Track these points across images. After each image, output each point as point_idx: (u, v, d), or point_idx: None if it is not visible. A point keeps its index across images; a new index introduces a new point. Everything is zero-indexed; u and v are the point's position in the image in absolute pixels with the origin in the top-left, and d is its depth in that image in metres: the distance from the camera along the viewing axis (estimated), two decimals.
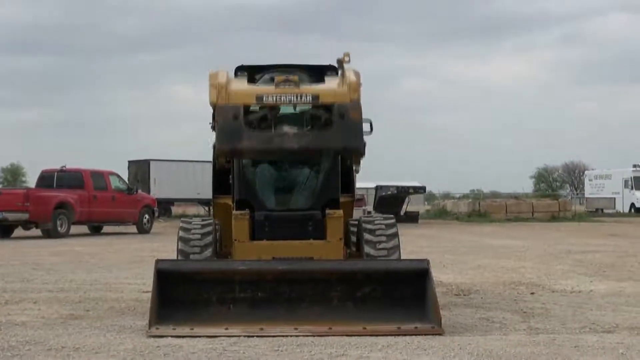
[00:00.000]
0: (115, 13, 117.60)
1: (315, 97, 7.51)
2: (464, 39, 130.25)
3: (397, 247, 7.82)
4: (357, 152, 7.74)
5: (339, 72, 7.89)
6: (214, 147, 7.98)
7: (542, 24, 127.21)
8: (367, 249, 7.73)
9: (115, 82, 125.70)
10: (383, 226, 7.86)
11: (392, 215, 8.41)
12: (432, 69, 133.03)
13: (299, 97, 7.51)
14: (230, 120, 7.42)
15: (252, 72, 8.30)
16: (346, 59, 7.64)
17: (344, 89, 7.54)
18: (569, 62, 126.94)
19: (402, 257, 8.04)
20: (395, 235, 7.87)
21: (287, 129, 7.63)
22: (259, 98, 7.50)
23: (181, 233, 7.81)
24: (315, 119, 7.68)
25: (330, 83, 7.84)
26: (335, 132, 7.49)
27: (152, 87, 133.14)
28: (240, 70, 8.30)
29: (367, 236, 7.77)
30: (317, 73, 8.33)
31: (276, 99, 7.49)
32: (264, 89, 7.65)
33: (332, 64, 8.36)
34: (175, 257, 7.94)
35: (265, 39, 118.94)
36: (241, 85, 7.80)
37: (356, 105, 7.47)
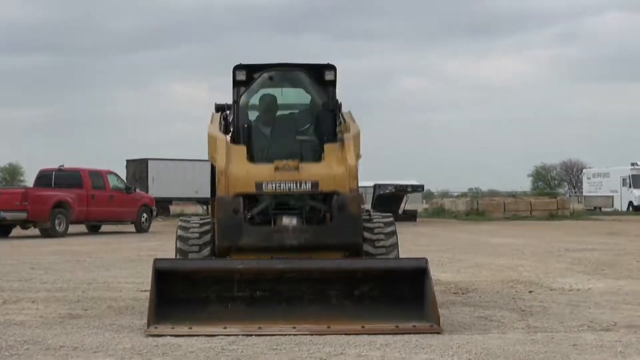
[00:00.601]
0: (113, 12, 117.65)
1: (315, 185, 7.52)
2: (462, 37, 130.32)
3: (395, 245, 7.88)
4: (356, 247, 7.74)
5: (338, 142, 7.83)
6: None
7: (540, 21, 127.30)
8: (365, 247, 7.76)
9: (114, 81, 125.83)
10: (381, 224, 7.91)
11: (390, 214, 8.44)
12: (430, 67, 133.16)
13: (298, 185, 7.51)
14: (230, 215, 7.42)
15: (250, 71, 8.28)
16: (345, 129, 7.65)
17: (343, 173, 7.53)
18: (567, 60, 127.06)
19: (400, 256, 8.06)
20: (394, 233, 7.92)
21: (286, 221, 7.63)
22: (259, 186, 7.51)
23: (180, 232, 7.83)
24: (315, 211, 7.69)
25: (331, 162, 7.71)
26: (335, 228, 7.53)
27: (150, 86, 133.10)
28: (238, 69, 8.28)
29: (365, 234, 7.79)
30: (316, 72, 8.32)
31: (275, 186, 7.50)
32: (264, 173, 7.59)
33: (330, 62, 8.38)
34: (173, 256, 7.94)
35: (264, 38, 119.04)
36: (241, 166, 7.66)
37: (355, 197, 7.51)
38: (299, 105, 8.77)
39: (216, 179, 7.60)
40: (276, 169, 7.57)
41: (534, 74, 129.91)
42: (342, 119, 8.18)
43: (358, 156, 7.77)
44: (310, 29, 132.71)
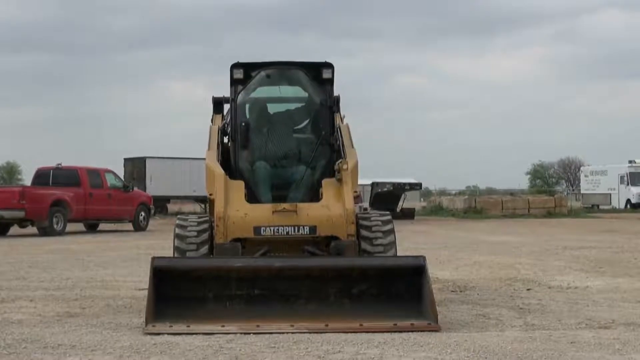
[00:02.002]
0: (111, 11, 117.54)
1: (313, 230, 7.52)
2: (461, 36, 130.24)
3: (393, 244, 7.85)
4: None
5: (337, 180, 7.80)
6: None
7: (537, 20, 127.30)
8: (363, 245, 7.72)
9: (111, 80, 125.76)
10: (379, 223, 7.86)
11: (388, 212, 8.43)
12: (428, 66, 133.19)
13: (296, 230, 7.50)
14: None
15: (247, 69, 8.31)
16: (344, 167, 7.67)
17: (341, 216, 7.53)
18: (564, 58, 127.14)
19: (398, 254, 8.05)
20: (392, 231, 7.88)
21: None
22: (257, 231, 7.52)
23: (177, 230, 7.79)
24: (312, 255, 7.75)
25: (329, 201, 7.71)
26: None
27: (147, 84, 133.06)
28: (236, 67, 8.30)
29: (363, 232, 7.75)
30: (313, 70, 8.36)
31: (273, 231, 7.50)
32: (262, 216, 7.58)
33: (327, 61, 8.41)
34: (171, 255, 7.94)
35: (262, 37, 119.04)
36: (239, 208, 7.64)
37: (353, 244, 7.53)
38: (296, 102, 8.77)
39: (214, 222, 7.58)
40: (274, 211, 7.56)
41: (531, 72, 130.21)
42: (342, 154, 8.06)
43: (356, 192, 7.81)
44: (309, 28, 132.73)
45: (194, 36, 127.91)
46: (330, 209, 7.64)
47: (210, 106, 9.17)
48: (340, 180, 7.77)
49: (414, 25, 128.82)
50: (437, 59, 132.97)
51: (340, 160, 7.83)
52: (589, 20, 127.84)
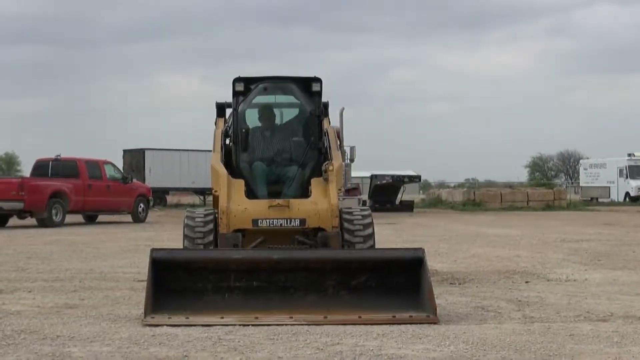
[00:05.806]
0: (107, 3, 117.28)
1: (303, 222, 8.42)
2: (457, 29, 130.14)
3: (372, 235, 8.60)
4: None
5: (324, 179, 8.62)
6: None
7: (532, 14, 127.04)
8: (346, 236, 8.48)
9: (110, 72, 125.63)
10: (360, 217, 8.66)
11: (368, 207, 9.29)
12: (427, 59, 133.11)
13: (288, 222, 8.40)
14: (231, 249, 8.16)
15: (247, 83, 9.20)
16: (330, 168, 8.58)
17: (327, 210, 8.40)
18: (561, 52, 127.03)
19: (397, 247, 8.17)
20: (371, 224, 8.63)
21: None
22: (255, 222, 8.39)
23: (187, 221, 8.55)
24: (301, 244, 8.55)
25: (317, 198, 8.54)
26: None
27: (146, 76, 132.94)
28: (237, 81, 9.16)
29: (345, 225, 8.55)
30: (304, 84, 9.24)
31: (269, 223, 8.39)
32: (259, 210, 8.45)
33: (317, 76, 9.26)
34: (170, 246, 8.03)
35: (256, 31, 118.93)
36: (240, 203, 8.50)
37: (336, 235, 8.35)
38: (289, 111, 9.68)
39: (219, 215, 8.40)
40: (270, 206, 8.44)
41: (529, 66, 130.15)
42: (329, 156, 8.87)
43: (340, 190, 8.73)
44: (306, 21, 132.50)
45: (193, 29, 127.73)
46: (318, 205, 8.50)
47: (213, 109, 9.90)
48: (326, 180, 8.62)
49: (411, 19, 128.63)
50: (436, 51, 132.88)
51: (326, 162, 8.72)
52: (583, 14, 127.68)
